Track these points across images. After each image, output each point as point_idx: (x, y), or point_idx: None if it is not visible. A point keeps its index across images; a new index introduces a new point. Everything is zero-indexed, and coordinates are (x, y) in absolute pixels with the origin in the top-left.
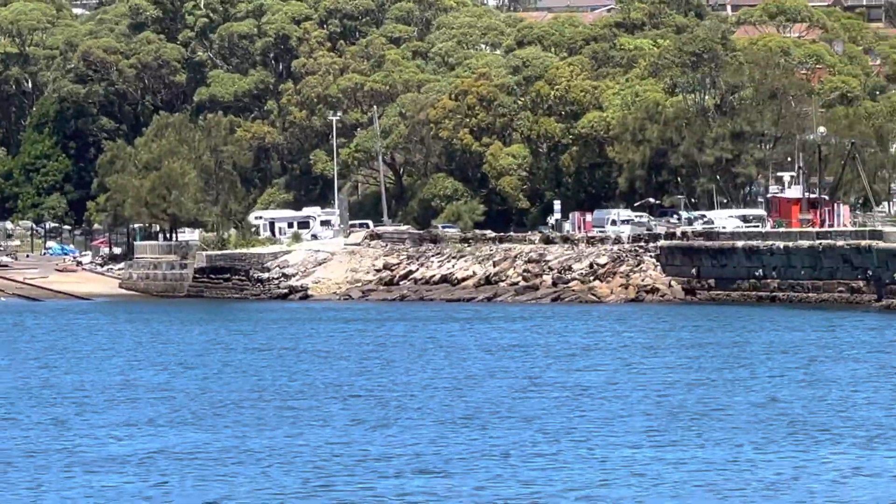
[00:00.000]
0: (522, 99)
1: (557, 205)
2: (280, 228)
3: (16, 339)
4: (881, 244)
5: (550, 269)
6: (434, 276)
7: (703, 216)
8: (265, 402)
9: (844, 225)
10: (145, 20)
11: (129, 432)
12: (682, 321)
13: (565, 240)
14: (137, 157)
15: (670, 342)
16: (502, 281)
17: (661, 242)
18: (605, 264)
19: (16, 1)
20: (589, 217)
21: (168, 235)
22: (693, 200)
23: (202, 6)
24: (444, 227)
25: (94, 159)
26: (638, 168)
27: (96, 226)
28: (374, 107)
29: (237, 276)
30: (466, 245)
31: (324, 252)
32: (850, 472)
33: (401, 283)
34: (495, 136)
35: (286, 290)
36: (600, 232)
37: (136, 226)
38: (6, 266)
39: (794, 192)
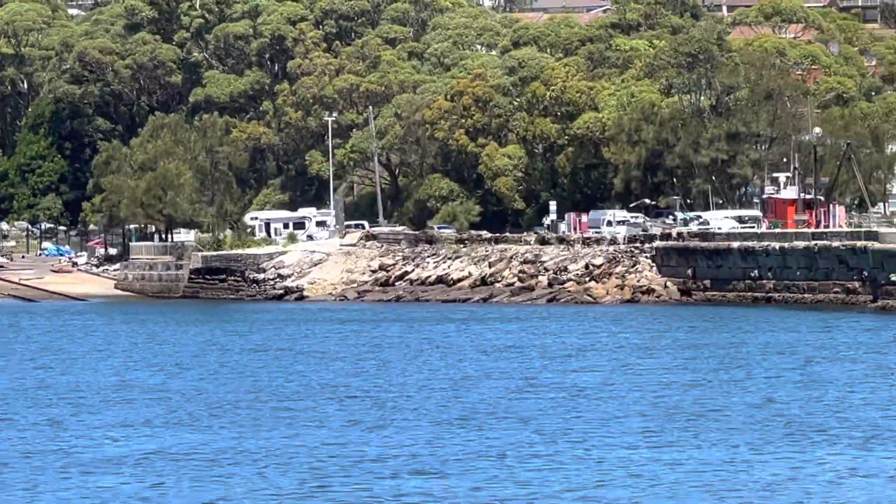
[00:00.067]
0: (518, 100)
1: (553, 205)
2: (276, 229)
3: (11, 339)
4: (877, 245)
5: (546, 269)
6: (430, 276)
7: (699, 217)
8: (261, 403)
9: (840, 226)
10: (141, 21)
11: (126, 433)
12: (678, 322)
13: (561, 240)
14: (133, 157)
15: (666, 343)
16: (498, 282)
17: (657, 243)
18: (601, 265)
19: (11, 1)
20: (584, 218)
21: (164, 236)
22: (689, 201)
23: (198, 7)
24: (439, 228)
25: (90, 160)
26: (633, 169)
27: (92, 226)
28: (370, 107)
29: (233, 277)
30: (462, 246)
31: (319, 253)
32: (847, 473)
33: (396, 283)
34: (491, 136)
35: (282, 291)
36: (596, 233)
37: (131, 226)
38: (2, 267)
39: (790, 192)
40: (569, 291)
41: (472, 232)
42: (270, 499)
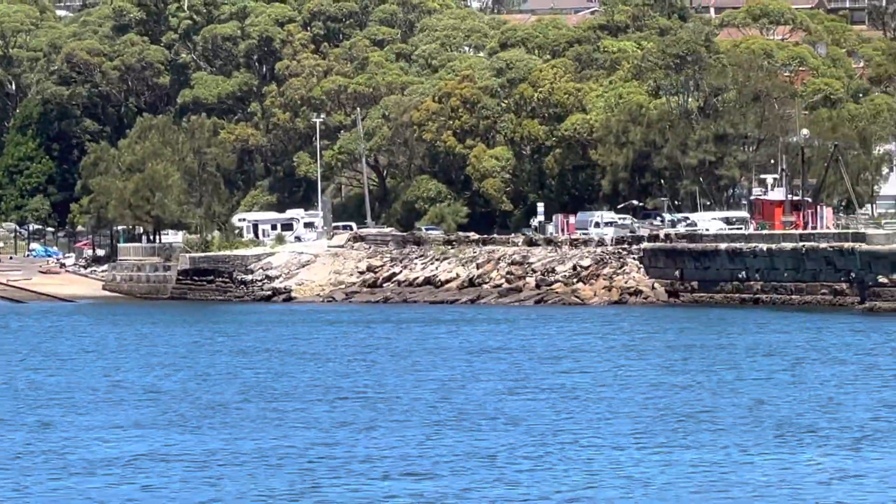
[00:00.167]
0: (506, 101)
1: (541, 207)
2: (263, 230)
3: (0, 341)
4: (864, 246)
5: (534, 271)
6: (417, 278)
7: (687, 218)
8: (250, 405)
9: (827, 227)
10: (129, 22)
11: (115, 434)
12: (667, 323)
13: (549, 242)
14: (121, 158)
15: (655, 344)
16: (486, 283)
17: (645, 245)
18: (589, 266)
19: None
20: (572, 219)
21: (151, 237)
22: (676, 203)
23: (186, 8)
24: (427, 229)
25: (78, 161)
26: (621, 170)
27: (80, 228)
28: (358, 109)
29: (221, 279)
30: (450, 247)
31: (307, 254)
32: (837, 473)
33: (384, 285)
34: (479, 138)
35: (269, 292)
36: (584, 234)
37: (119, 228)
38: None
39: (778, 194)
40: (556, 293)
41: (460, 233)
42: (261, 500)
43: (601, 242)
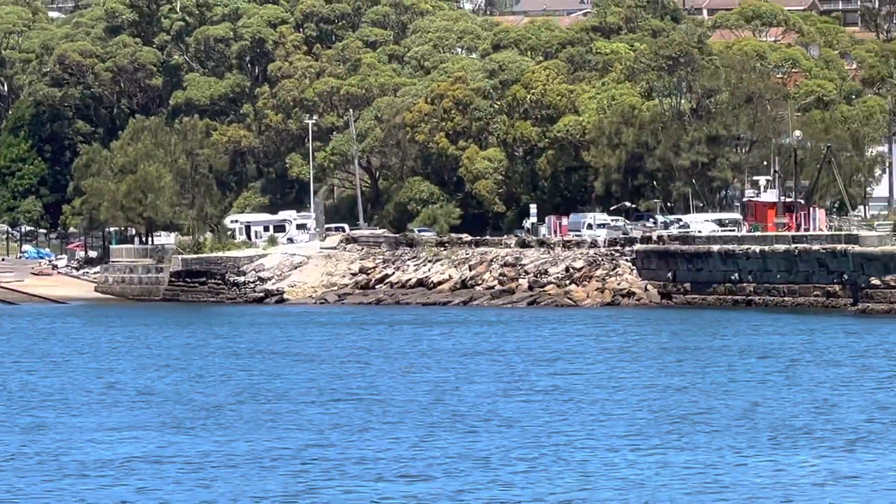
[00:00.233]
0: (498, 103)
1: (533, 208)
2: (256, 232)
3: None
4: (857, 248)
5: (526, 272)
6: (410, 279)
7: (679, 220)
8: (244, 406)
9: (820, 229)
10: (121, 24)
11: (109, 436)
12: (660, 325)
13: (541, 244)
14: (113, 160)
15: (648, 346)
16: (478, 285)
17: (637, 246)
18: (581, 268)
19: None
20: (565, 221)
21: (144, 239)
22: (669, 204)
23: (178, 10)
24: (419, 231)
25: (70, 163)
26: (614, 172)
27: (72, 229)
28: (350, 110)
29: (213, 280)
30: (442, 249)
31: (299, 256)
32: (831, 475)
33: (377, 286)
34: (471, 139)
35: (262, 294)
36: (576, 236)
37: (111, 229)
38: None
39: (770, 195)
40: (549, 294)
41: (453, 235)
42: (254, 502)
43: (594, 244)
